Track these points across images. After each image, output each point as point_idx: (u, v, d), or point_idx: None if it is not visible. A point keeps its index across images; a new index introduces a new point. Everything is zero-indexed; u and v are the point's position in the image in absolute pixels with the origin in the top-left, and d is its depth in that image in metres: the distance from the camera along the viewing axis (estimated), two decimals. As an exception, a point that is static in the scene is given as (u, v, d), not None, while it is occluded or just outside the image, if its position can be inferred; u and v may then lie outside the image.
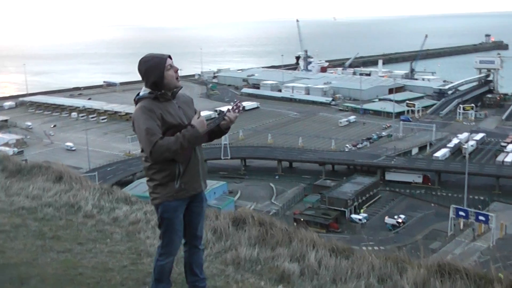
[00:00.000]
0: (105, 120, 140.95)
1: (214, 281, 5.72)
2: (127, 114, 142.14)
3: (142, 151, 5.20)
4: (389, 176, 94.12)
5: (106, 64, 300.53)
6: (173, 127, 5.05)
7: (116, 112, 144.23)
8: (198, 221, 5.48)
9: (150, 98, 5.12)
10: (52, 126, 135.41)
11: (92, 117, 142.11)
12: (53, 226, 7.74)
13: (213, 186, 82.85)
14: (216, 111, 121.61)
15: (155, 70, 5.09)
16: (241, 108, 5.30)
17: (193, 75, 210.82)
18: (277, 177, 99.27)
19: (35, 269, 5.88)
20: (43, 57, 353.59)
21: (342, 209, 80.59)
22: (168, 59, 5.15)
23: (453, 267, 5.67)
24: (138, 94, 5.24)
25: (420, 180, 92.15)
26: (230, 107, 5.26)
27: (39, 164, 11.01)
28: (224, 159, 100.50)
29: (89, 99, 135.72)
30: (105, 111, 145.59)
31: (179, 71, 5.35)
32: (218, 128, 5.24)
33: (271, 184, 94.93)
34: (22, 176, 10.67)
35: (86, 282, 5.56)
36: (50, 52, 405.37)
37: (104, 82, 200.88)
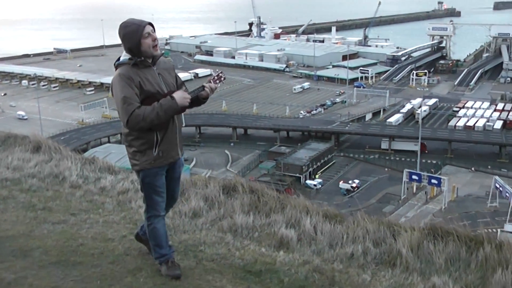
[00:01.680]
0: (57, 88, 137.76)
1: (215, 248, 5.78)
2: (79, 81, 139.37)
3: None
4: (396, 146, 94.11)
5: (52, 30, 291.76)
6: (151, 95, 5.01)
7: (67, 80, 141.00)
8: (176, 185, 5.59)
9: (129, 64, 5.06)
10: (2, 94, 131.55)
11: (44, 85, 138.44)
12: (42, 197, 7.66)
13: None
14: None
15: (132, 36, 5.01)
16: (222, 79, 5.33)
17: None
18: (232, 144, 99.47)
19: (34, 241, 5.83)
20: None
21: (297, 175, 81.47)
22: (147, 27, 5.03)
23: (444, 229, 5.89)
24: (118, 59, 5.19)
25: (417, 148, 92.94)
26: (211, 77, 5.28)
27: (14, 134, 10.79)
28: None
29: (4, 94, 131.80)
30: (57, 78, 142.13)
31: None
32: (196, 98, 5.23)
33: (226, 151, 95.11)
34: (-4, 146, 10.47)
35: (90, 252, 5.55)
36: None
37: (54, 49, 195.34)
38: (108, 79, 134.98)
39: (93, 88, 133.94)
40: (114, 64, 5.18)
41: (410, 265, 5.52)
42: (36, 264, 5.29)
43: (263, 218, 6.65)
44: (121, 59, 5.15)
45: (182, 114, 5.39)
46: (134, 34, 5.00)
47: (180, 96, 5.01)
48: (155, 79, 5.09)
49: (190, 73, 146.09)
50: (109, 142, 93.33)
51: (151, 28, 5.07)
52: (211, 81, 5.24)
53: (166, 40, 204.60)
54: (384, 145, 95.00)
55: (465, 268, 5.51)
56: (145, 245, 5.68)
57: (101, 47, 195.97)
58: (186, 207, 7.01)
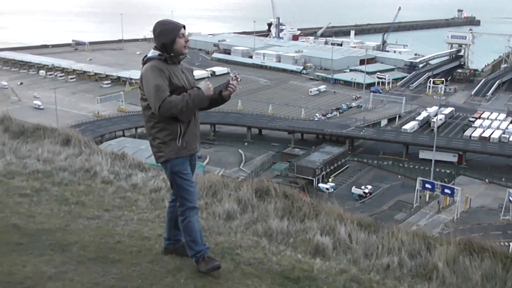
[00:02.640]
0: (74, 80, 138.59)
1: (251, 252, 5.78)
2: (96, 74, 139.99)
3: (144, 109, 5.50)
4: (423, 155, 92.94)
5: (70, 22, 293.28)
6: (178, 88, 5.35)
7: (85, 72, 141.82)
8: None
9: (159, 59, 5.40)
10: (18, 83, 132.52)
11: (61, 76, 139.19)
12: (74, 192, 7.71)
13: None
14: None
15: (169, 33, 5.39)
16: (239, 80, 5.69)
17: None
18: (246, 143, 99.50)
19: (71, 236, 5.85)
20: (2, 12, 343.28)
21: (310, 178, 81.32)
22: (182, 28, 5.47)
23: (480, 245, 5.84)
24: (145, 56, 5.51)
25: (455, 159, 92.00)
26: (230, 78, 5.61)
27: (43, 126, 10.85)
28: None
29: (20, 83, 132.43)
30: (74, 70, 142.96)
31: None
32: (219, 97, 5.62)
33: (240, 151, 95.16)
34: (25, 137, 10.50)
35: (128, 250, 5.56)
36: (10, 8, 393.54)
37: (73, 40, 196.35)
38: (125, 73, 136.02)
39: (110, 81, 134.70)
40: (143, 60, 5.51)
41: (446, 279, 5.48)
42: (75, 259, 5.31)
43: (298, 224, 6.65)
44: (149, 55, 5.48)
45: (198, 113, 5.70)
46: (171, 32, 5.40)
47: (205, 86, 5.37)
48: (180, 75, 5.48)
49: (207, 70, 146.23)
50: (123, 135, 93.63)
51: (184, 30, 5.53)
52: (231, 80, 5.60)
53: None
54: (423, 155, 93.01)
55: (502, 285, 5.47)
56: (176, 254, 5.75)
57: (120, 41, 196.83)
58: (219, 208, 7.04)
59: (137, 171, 8.70)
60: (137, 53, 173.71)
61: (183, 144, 5.46)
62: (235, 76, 5.60)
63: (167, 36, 5.37)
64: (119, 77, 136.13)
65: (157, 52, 5.41)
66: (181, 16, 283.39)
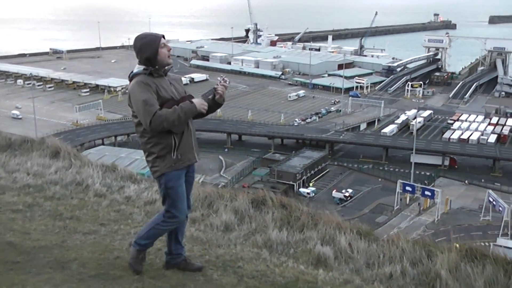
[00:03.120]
0: (52, 89, 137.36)
1: (253, 265, 5.70)
2: (74, 82, 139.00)
3: (136, 126, 5.47)
4: (416, 159, 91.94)
5: (47, 31, 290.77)
6: (167, 101, 5.29)
7: (63, 81, 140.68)
8: (190, 190, 5.75)
9: (145, 74, 5.35)
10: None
11: (39, 85, 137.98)
12: (68, 206, 7.56)
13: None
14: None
15: (150, 46, 5.33)
16: (227, 82, 5.60)
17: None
18: (226, 150, 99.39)
19: (69, 252, 5.70)
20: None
21: (291, 182, 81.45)
22: (162, 38, 5.42)
23: (481, 252, 5.84)
24: (131, 72, 5.46)
25: (447, 162, 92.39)
26: (218, 82, 5.55)
27: (30, 139, 10.67)
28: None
29: None
30: (52, 79, 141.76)
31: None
32: (214, 102, 5.54)
33: (220, 157, 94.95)
34: (13, 150, 10.30)
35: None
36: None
37: (50, 49, 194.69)
38: (103, 81, 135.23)
39: (88, 90, 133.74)
40: (129, 76, 5.45)
41: (449, 287, 5.46)
42: (75, 277, 5.18)
43: (297, 234, 6.59)
44: (135, 71, 5.43)
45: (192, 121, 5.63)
46: (152, 43, 5.34)
47: (199, 102, 5.33)
48: (168, 87, 5.42)
49: (185, 77, 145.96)
50: (103, 144, 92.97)
51: (165, 40, 5.47)
52: (219, 84, 5.53)
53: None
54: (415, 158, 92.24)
55: (504, 291, 5.45)
56: (178, 268, 5.68)
57: (97, 49, 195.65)
58: (217, 220, 6.96)
59: (129, 183, 8.57)
60: (112, 61, 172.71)
61: (178, 156, 5.39)
62: (223, 79, 5.56)
63: (149, 49, 5.31)
64: (97, 85, 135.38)
65: (142, 67, 5.37)
66: (158, 23, 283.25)
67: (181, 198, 5.49)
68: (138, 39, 5.40)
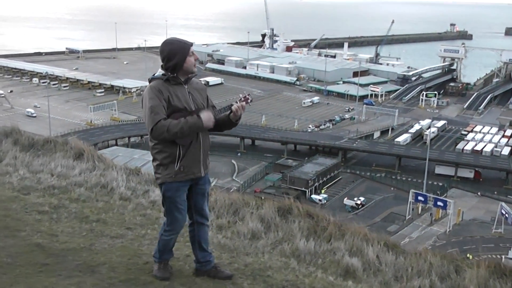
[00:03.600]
0: (67, 88, 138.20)
1: (283, 274, 5.67)
2: (89, 82, 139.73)
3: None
4: (439, 170, 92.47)
5: (63, 30, 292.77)
6: (178, 110, 5.22)
7: (78, 80, 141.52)
8: (203, 202, 5.65)
9: (162, 79, 5.32)
10: (9, 91, 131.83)
11: (54, 84, 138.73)
12: (93, 209, 7.57)
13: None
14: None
15: (179, 53, 5.28)
16: (249, 101, 5.41)
17: (157, 47, 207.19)
18: (239, 154, 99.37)
19: (98, 256, 5.71)
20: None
21: (303, 189, 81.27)
22: (191, 47, 5.37)
23: (510, 269, 5.79)
24: (153, 75, 5.46)
25: (471, 175, 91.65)
26: (238, 99, 5.38)
27: (53, 139, 10.70)
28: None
29: (11, 91, 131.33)
30: (67, 78, 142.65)
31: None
32: (228, 120, 5.43)
33: (233, 161, 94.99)
34: (36, 151, 10.34)
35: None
36: (2, 14, 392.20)
37: (66, 48, 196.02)
38: (118, 82, 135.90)
39: (103, 90, 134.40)
40: (148, 79, 5.43)
41: (479, 303, 5.43)
42: (105, 281, 5.17)
43: (324, 244, 6.57)
44: (156, 74, 5.43)
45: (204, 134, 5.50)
46: (181, 51, 5.29)
47: (206, 117, 5.21)
48: (184, 97, 5.31)
49: (201, 80, 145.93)
50: (116, 145, 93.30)
51: (193, 48, 5.42)
52: (238, 101, 5.36)
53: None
54: (439, 170, 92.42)
55: (533, 308, 5.40)
56: (208, 276, 5.64)
57: (113, 49, 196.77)
58: (244, 228, 6.93)
59: (153, 187, 8.55)
60: (125, 62, 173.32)
61: (181, 168, 5.31)
62: (245, 97, 5.38)
63: (177, 56, 5.27)
64: (112, 86, 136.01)
65: (162, 72, 5.38)
66: (174, 26, 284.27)
67: (179, 209, 5.45)
68: (167, 44, 5.37)
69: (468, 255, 56.63)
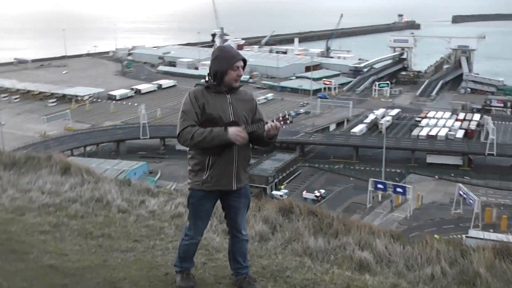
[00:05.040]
0: (18, 100, 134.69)
1: (301, 273, 5.73)
2: (40, 93, 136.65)
3: None
4: (430, 159, 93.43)
5: (7, 40, 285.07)
6: (212, 119, 5.13)
7: (29, 91, 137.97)
8: (236, 215, 5.54)
9: (203, 86, 5.26)
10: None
11: (4, 97, 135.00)
12: (95, 224, 7.46)
13: (133, 167, 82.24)
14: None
15: (225, 62, 5.19)
16: (288, 122, 5.25)
17: (108, 52, 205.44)
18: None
19: (116, 272, 5.62)
20: None
21: (263, 186, 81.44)
22: (241, 61, 5.24)
23: (512, 248, 6.02)
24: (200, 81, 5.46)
25: (461, 162, 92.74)
26: (277, 117, 5.25)
27: (35, 155, 10.49)
28: (143, 138, 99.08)
29: None
30: (17, 90, 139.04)
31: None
32: (262, 137, 5.31)
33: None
34: (18, 168, 10.12)
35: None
36: None
37: (15, 59, 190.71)
38: (71, 90, 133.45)
39: (55, 100, 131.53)
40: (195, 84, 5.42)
41: (491, 285, 5.61)
42: (132, 298, 5.15)
43: (333, 241, 6.66)
44: (201, 80, 5.43)
45: (249, 147, 5.43)
46: (227, 61, 5.19)
47: (233, 131, 5.06)
48: (222, 106, 5.20)
49: (153, 84, 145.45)
50: (72, 155, 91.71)
51: (242, 64, 5.28)
52: (275, 120, 5.20)
53: (129, 50, 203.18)
54: (430, 159, 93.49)
55: (541, 285, 5.61)
56: (238, 287, 5.61)
57: (63, 57, 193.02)
58: (250, 230, 6.90)
59: (147, 196, 8.52)
60: (63, 72, 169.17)
61: (208, 178, 5.24)
62: (284, 116, 5.23)
63: (222, 65, 5.19)
64: (64, 95, 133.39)
65: (205, 79, 5.33)
66: (123, 29, 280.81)
67: (199, 217, 5.45)
68: (219, 49, 5.35)
69: (435, 236, 58.06)
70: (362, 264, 6.05)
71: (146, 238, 6.87)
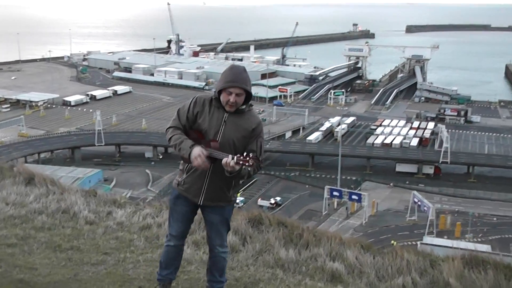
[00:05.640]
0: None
1: (274, 285, 5.73)
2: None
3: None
4: (400, 168, 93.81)
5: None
6: (200, 130, 5.08)
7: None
8: (210, 229, 5.48)
9: (211, 96, 5.18)
10: None
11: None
12: (63, 236, 7.30)
13: (87, 174, 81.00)
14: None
15: (222, 81, 5.08)
16: (247, 164, 4.70)
17: (62, 57, 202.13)
18: (153, 163, 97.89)
19: (88, 286, 5.47)
20: None
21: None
22: (236, 89, 4.98)
23: (480, 258, 6.16)
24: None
25: (431, 171, 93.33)
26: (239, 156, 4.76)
27: (-1, 166, 10.20)
28: (98, 145, 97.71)
29: None
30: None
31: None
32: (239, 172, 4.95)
33: (147, 171, 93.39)
34: (-24, 180, 9.78)
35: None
36: None
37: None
38: (25, 96, 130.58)
39: (9, 105, 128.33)
40: None
41: (461, 294, 5.74)
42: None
43: (304, 252, 6.69)
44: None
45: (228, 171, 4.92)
46: (223, 82, 5.04)
47: (196, 151, 4.91)
48: (214, 121, 5.08)
49: (109, 90, 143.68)
50: (26, 162, 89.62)
51: (238, 91, 5.01)
52: (235, 157, 4.74)
53: (84, 55, 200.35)
54: (400, 168, 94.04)
55: (510, 296, 5.77)
56: None
57: (17, 61, 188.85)
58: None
59: (114, 207, 8.39)
60: (12, 78, 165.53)
61: (182, 182, 5.29)
62: (244, 157, 4.71)
63: (220, 83, 5.10)
64: (18, 100, 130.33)
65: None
66: (80, 34, 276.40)
67: (174, 218, 5.43)
68: (228, 67, 5.15)
69: (392, 241, 59.02)
70: (334, 275, 6.11)
71: (116, 251, 6.77)
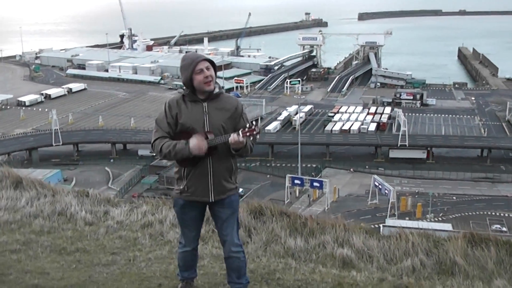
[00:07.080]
0: None
1: (290, 275, 5.79)
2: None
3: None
4: (393, 154, 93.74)
5: None
6: (186, 129, 5.00)
7: None
8: (221, 226, 5.40)
9: (181, 94, 5.11)
10: None
11: None
12: (66, 239, 7.16)
13: (47, 175, 79.46)
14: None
15: (185, 70, 5.01)
16: (255, 133, 4.87)
17: (14, 56, 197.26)
18: (112, 160, 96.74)
19: (107, 287, 5.47)
20: None
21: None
22: (202, 63, 4.97)
23: (480, 236, 6.37)
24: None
25: (424, 155, 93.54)
26: (243, 129, 4.89)
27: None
28: (56, 145, 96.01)
29: None
30: None
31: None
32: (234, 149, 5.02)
33: (107, 168, 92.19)
34: (-40, 184, 9.49)
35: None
36: None
37: None
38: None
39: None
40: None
41: (468, 272, 5.92)
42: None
43: (311, 240, 6.76)
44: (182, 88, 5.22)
45: (230, 157, 5.16)
46: (187, 68, 4.99)
47: (195, 144, 4.88)
48: (195, 115, 5.02)
49: (63, 88, 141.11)
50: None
51: (206, 64, 5.01)
52: (240, 132, 4.84)
53: (36, 53, 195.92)
54: (393, 154, 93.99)
55: (513, 269, 5.98)
56: None
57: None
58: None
59: (109, 207, 8.29)
60: None
61: (185, 188, 5.17)
62: (250, 128, 4.85)
63: (184, 73, 5.00)
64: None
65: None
66: (28, 32, 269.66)
67: (185, 225, 5.40)
68: (181, 59, 5.10)
69: (361, 224, 59.53)
70: (345, 261, 6.20)
71: (123, 250, 6.70)
